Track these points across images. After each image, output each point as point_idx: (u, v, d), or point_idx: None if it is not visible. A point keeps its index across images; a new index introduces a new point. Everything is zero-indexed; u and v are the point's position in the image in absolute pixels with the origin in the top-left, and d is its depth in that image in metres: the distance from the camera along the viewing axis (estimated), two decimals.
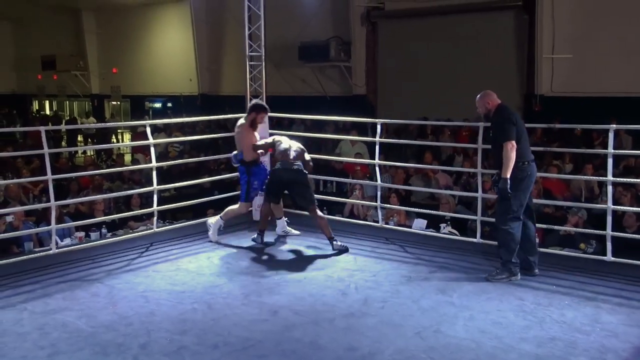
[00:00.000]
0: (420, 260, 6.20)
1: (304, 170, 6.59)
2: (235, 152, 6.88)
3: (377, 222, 7.40)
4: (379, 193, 7.42)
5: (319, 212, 6.60)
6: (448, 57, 13.80)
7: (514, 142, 5.33)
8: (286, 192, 6.74)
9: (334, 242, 6.43)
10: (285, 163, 6.52)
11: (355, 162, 9.68)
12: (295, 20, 15.49)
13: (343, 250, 6.39)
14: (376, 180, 7.52)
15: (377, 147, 7.37)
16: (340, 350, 4.16)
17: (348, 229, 7.32)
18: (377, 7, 15.11)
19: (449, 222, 7.40)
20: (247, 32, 8.39)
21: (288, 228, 7.12)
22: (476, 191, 6.89)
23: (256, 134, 6.83)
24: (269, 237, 6.96)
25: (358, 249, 6.60)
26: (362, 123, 12.12)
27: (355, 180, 9.01)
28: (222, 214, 6.88)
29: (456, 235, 7.13)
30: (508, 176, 5.34)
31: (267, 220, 6.83)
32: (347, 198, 8.72)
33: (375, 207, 7.54)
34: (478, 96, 5.68)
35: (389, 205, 7.73)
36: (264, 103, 6.88)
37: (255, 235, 6.79)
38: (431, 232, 7.20)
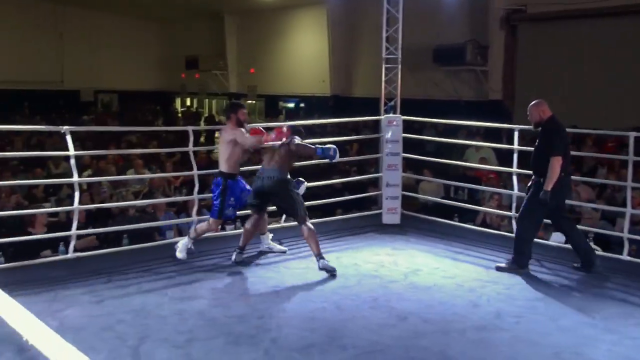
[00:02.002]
0: (558, 276, 5.87)
1: (285, 179, 5.94)
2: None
3: (512, 233, 7.09)
4: (514, 204, 7.11)
5: (307, 224, 5.81)
6: (594, 64, 12.95)
7: (560, 158, 5.68)
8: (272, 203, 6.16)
9: (321, 260, 5.72)
10: (264, 170, 5.96)
11: (489, 170, 9.35)
12: (431, 23, 15.24)
13: (330, 270, 5.68)
14: (511, 189, 7.22)
15: (515, 155, 7.08)
16: None
17: (480, 239, 7.09)
18: (519, 9, 14.52)
19: (590, 238, 6.94)
20: (384, 35, 8.37)
21: (272, 243, 6.55)
22: (621, 206, 6.43)
23: (243, 130, 6.13)
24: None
25: (491, 260, 6.37)
26: (491, 129, 11.71)
27: (487, 188, 8.70)
28: (190, 234, 6.30)
29: (599, 251, 6.67)
30: (549, 189, 5.70)
31: (249, 239, 6.15)
32: (480, 206, 8.44)
33: (510, 217, 7.24)
34: (532, 104, 5.96)
35: None
36: (237, 101, 6.41)
37: (234, 254, 6.09)
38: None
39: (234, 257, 6.02)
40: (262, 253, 6.42)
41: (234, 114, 6.15)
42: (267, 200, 6.04)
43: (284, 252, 6.45)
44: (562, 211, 6.11)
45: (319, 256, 5.73)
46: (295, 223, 6.16)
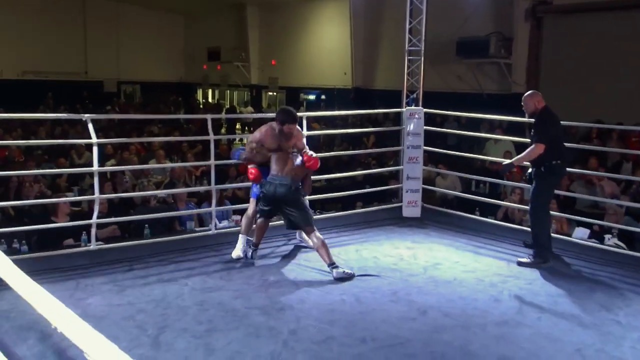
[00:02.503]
0: (581, 273, 5.80)
1: (298, 188, 5.74)
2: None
3: None
4: None
5: (316, 234, 5.65)
6: (622, 57, 12.71)
7: (543, 146, 5.77)
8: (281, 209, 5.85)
9: (335, 270, 5.47)
10: (276, 177, 5.69)
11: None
12: (455, 15, 15.07)
13: (346, 278, 5.43)
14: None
15: None
16: (492, 358, 3.98)
17: (501, 233, 7.01)
18: (544, 1, 14.30)
19: (614, 234, 6.84)
20: (407, 27, 8.31)
21: (306, 237, 6.33)
22: None
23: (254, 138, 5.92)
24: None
25: (512, 254, 6.30)
26: (514, 123, 11.57)
27: (509, 182, 8.61)
28: (242, 230, 6.13)
29: (623, 248, 6.58)
30: (515, 163, 6.19)
31: (261, 235, 6.03)
32: (501, 200, 8.36)
33: None
34: (527, 94, 6.13)
35: None
36: (291, 110, 5.93)
37: (250, 251, 5.96)
38: (594, 242, 6.70)
39: (249, 254, 5.94)
40: (288, 246, 6.45)
41: (279, 124, 5.72)
42: (277, 207, 5.84)
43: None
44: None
45: (332, 265, 5.51)
46: None
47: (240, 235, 6.10)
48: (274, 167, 5.75)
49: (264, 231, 6.05)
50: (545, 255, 5.97)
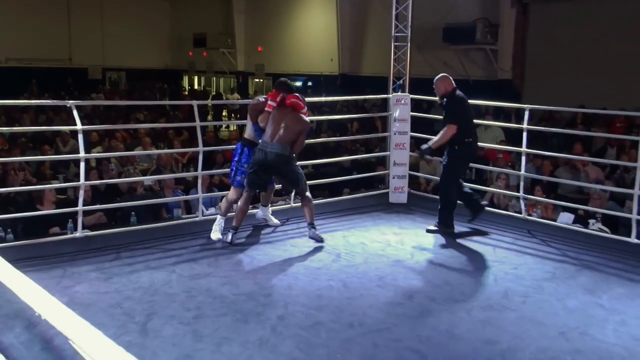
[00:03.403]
0: (566, 257, 5.85)
1: (286, 154, 5.78)
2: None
3: (519, 213, 7.09)
4: (521, 183, 7.09)
5: (307, 195, 5.99)
6: (608, 43, 12.77)
7: (455, 127, 6.16)
8: (273, 176, 6.13)
9: (312, 230, 5.97)
10: (267, 144, 5.77)
11: (499, 150, 9.30)
12: (442, 1, 15.06)
13: (318, 240, 5.94)
14: (519, 169, 7.19)
15: (524, 135, 7.03)
16: (477, 342, 4.02)
17: (488, 219, 7.05)
18: None
19: (599, 219, 6.93)
20: (394, 13, 8.29)
21: (270, 216, 6.66)
22: (631, 187, 6.40)
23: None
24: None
25: (498, 240, 6.36)
26: (500, 109, 11.63)
27: (494, 169, 8.67)
28: (221, 213, 6.21)
29: (607, 232, 6.66)
30: (431, 145, 6.32)
31: (242, 218, 6.02)
32: (487, 186, 8.42)
33: (518, 198, 7.22)
34: (438, 78, 6.39)
35: (532, 197, 7.37)
36: (286, 80, 6.14)
37: (230, 235, 5.95)
38: (579, 227, 6.77)
39: (229, 237, 5.92)
40: (276, 232, 6.47)
41: (285, 92, 5.93)
42: (268, 174, 5.98)
43: (278, 225, 6.59)
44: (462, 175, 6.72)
45: (311, 225, 5.99)
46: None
47: (218, 216, 6.19)
48: (265, 134, 5.86)
49: (245, 214, 6.07)
50: (448, 222, 6.46)
